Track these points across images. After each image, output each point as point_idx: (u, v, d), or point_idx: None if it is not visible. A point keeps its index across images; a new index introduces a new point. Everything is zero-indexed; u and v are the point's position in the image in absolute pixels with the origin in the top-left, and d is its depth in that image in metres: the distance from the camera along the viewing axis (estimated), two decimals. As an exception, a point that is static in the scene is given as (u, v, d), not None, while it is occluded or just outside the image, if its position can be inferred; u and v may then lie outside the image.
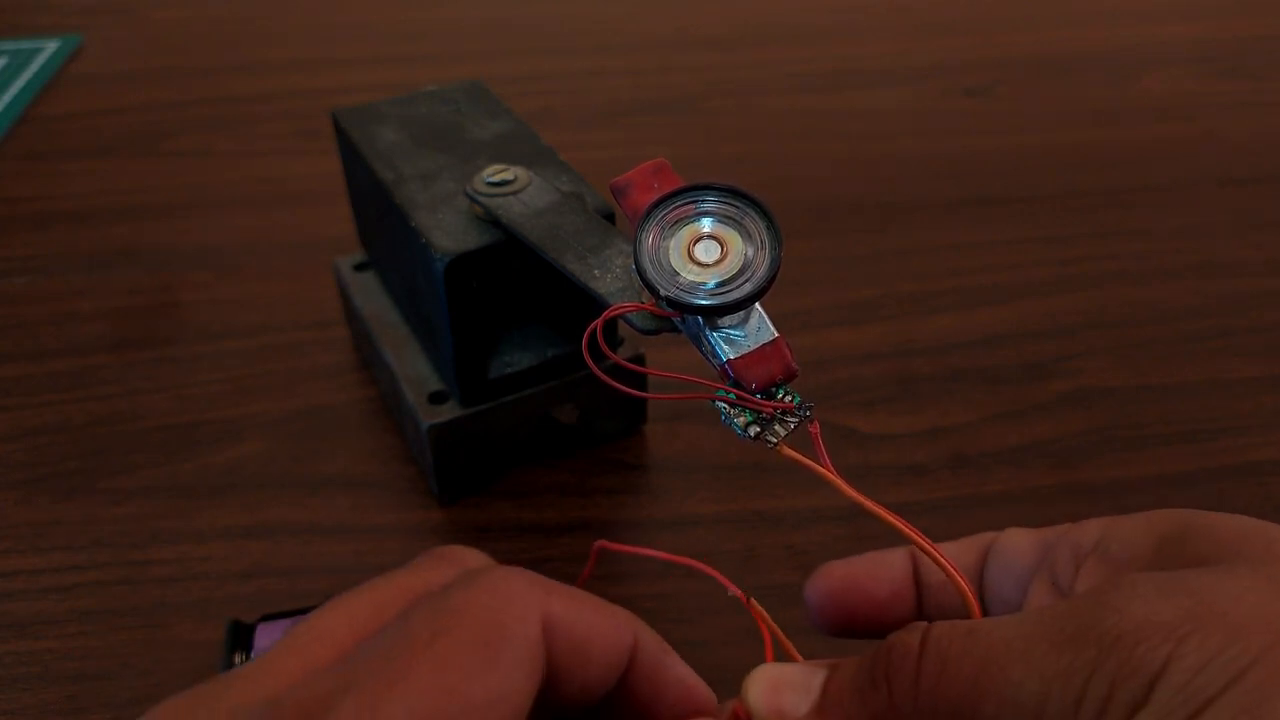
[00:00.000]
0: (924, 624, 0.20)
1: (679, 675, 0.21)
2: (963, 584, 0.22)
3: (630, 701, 0.21)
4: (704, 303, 0.23)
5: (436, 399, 0.37)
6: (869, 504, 0.22)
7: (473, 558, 0.20)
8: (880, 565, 0.25)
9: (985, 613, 0.23)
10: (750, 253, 0.23)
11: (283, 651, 0.17)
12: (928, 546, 0.22)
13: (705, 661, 0.25)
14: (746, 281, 0.23)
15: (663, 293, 0.23)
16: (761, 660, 0.22)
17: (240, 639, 0.32)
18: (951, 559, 0.23)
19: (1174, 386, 0.44)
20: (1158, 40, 0.74)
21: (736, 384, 0.23)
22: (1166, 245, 0.53)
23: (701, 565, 0.28)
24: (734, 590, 0.23)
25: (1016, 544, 0.24)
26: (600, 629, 0.19)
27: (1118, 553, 0.21)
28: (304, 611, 0.32)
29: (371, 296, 0.42)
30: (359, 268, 0.44)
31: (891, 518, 0.22)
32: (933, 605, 0.25)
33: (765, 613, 0.23)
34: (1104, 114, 0.65)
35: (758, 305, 0.24)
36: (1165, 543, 0.20)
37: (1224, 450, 0.41)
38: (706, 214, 0.24)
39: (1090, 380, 0.44)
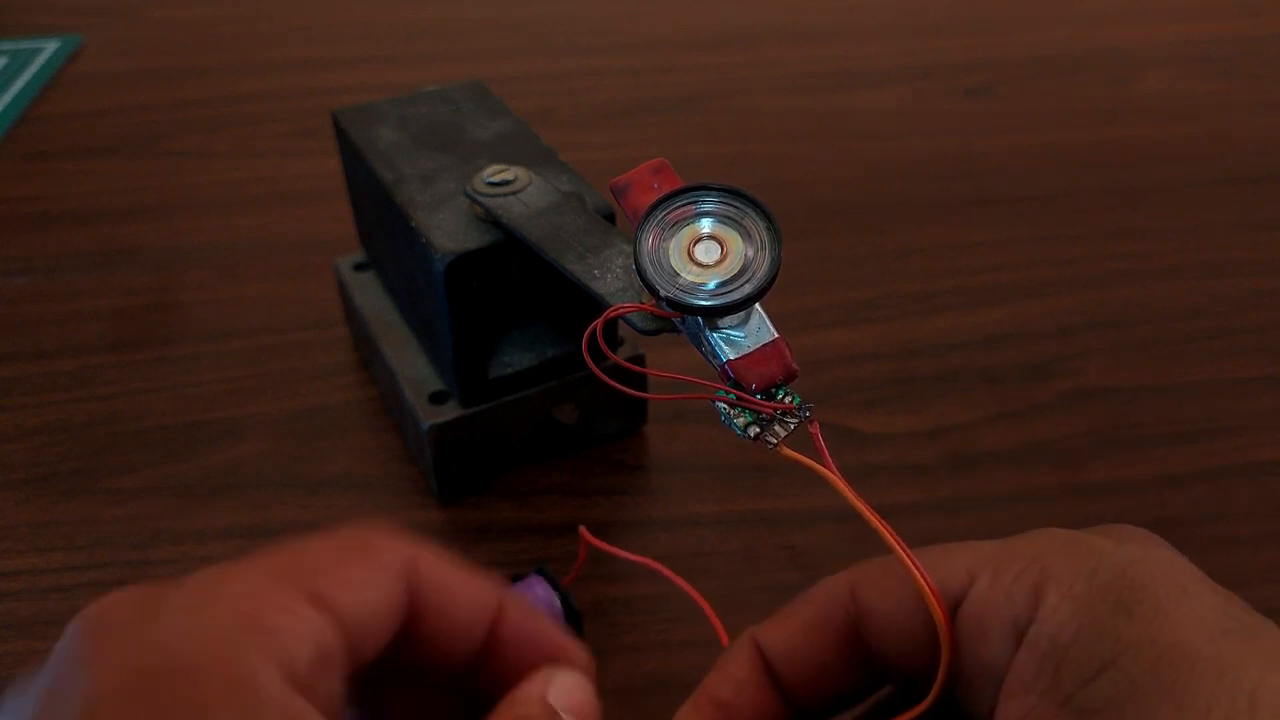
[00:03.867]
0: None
1: (550, 637, 0.22)
2: (939, 612, 0.22)
3: (501, 663, 0.22)
4: (704, 303, 0.23)
5: (436, 399, 0.37)
6: (864, 509, 0.22)
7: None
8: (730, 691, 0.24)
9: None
10: (750, 253, 0.23)
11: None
12: (910, 561, 0.22)
13: (703, 662, 0.25)
14: (747, 282, 0.23)
15: (663, 293, 0.23)
16: None
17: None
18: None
19: (1174, 386, 0.44)
20: (1158, 40, 0.74)
21: (736, 384, 0.23)
22: (1167, 245, 0.53)
23: (662, 568, 0.29)
24: None
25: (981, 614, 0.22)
26: (465, 582, 0.21)
27: (1048, 662, 0.20)
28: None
29: (371, 296, 0.42)
30: (359, 268, 0.44)
31: (883, 527, 0.22)
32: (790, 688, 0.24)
33: None
34: (1104, 114, 0.65)
35: (758, 306, 0.24)
36: (1102, 672, 0.19)
37: (1224, 450, 0.41)
38: (706, 214, 0.24)
39: (1090, 380, 0.44)
